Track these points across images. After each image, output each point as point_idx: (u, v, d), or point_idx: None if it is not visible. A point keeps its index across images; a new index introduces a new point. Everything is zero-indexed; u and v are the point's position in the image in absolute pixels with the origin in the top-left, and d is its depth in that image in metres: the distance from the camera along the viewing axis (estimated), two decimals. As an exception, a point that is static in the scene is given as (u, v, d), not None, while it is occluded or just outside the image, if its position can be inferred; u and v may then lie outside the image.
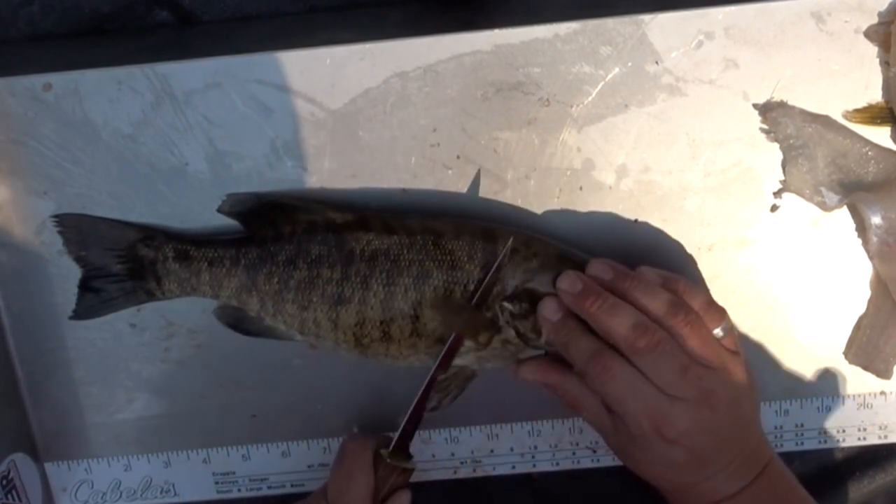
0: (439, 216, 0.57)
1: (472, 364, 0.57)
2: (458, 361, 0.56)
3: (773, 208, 0.58)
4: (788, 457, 0.66)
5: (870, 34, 0.55)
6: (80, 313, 0.59)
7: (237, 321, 0.58)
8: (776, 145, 0.57)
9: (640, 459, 0.55)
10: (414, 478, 0.63)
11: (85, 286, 0.59)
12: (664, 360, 0.52)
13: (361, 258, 0.55)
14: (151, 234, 0.58)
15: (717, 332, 0.54)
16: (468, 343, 0.56)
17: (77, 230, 0.58)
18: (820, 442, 0.63)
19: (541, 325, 0.55)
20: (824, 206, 0.57)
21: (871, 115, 0.56)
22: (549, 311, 0.55)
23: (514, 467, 0.64)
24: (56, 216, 0.58)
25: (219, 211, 0.57)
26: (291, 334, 0.57)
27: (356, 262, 0.55)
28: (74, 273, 0.59)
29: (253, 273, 0.56)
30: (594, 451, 0.63)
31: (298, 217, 0.56)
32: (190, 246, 0.57)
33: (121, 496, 0.65)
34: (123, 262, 0.58)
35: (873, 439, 0.63)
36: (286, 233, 0.56)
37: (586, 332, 0.54)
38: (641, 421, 0.53)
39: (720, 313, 0.54)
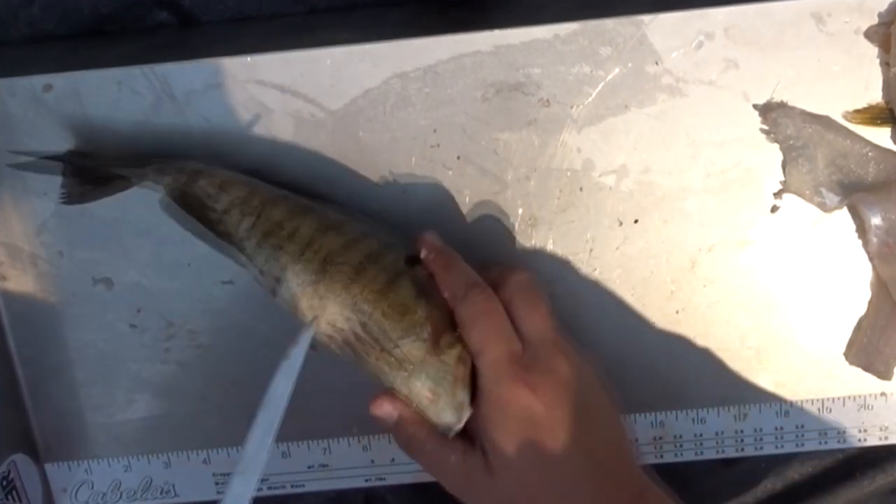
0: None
1: None
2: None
3: (774, 209, 0.58)
4: (788, 458, 0.66)
5: (870, 35, 0.55)
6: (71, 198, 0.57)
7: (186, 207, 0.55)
8: (776, 146, 0.57)
9: (495, 436, 0.50)
10: (414, 478, 0.63)
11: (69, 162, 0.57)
12: (539, 298, 0.52)
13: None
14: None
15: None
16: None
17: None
18: (820, 443, 0.63)
19: (419, 246, 0.54)
20: (824, 207, 0.57)
21: (872, 115, 0.56)
22: (431, 235, 0.54)
23: (514, 468, 0.64)
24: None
25: None
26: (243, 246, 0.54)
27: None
28: (74, 273, 0.59)
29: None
30: (594, 452, 0.63)
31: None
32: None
33: (121, 497, 0.65)
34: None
35: (874, 441, 0.63)
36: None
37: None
38: (500, 362, 0.49)
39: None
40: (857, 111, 0.56)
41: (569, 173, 0.58)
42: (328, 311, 0.52)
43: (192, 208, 0.54)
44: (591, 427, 0.51)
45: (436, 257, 0.54)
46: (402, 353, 0.51)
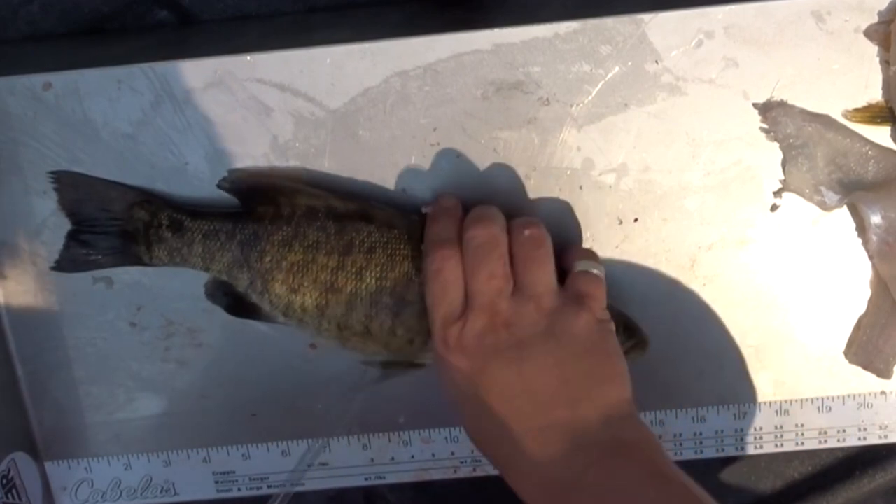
0: None
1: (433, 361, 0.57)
2: (423, 359, 0.57)
3: (773, 208, 0.58)
4: (788, 457, 0.66)
5: (870, 33, 0.55)
6: (63, 265, 0.58)
7: (224, 297, 0.58)
8: (776, 144, 0.57)
9: (444, 389, 0.53)
10: (414, 476, 0.63)
11: (73, 238, 0.58)
12: (483, 259, 0.51)
13: (360, 249, 0.55)
14: (149, 199, 0.57)
15: (582, 268, 0.54)
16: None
17: (73, 188, 0.58)
18: (820, 442, 0.63)
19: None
20: (824, 206, 0.57)
21: (871, 114, 0.56)
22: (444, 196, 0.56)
23: (513, 467, 0.64)
24: (53, 172, 0.57)
25: (219, 186, 0.57)
26: (275, 316, 0.57)
27: (354, 252, 0.55)
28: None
29: (247, 249, 0.56)
30: (594, 451, 0.63)
31: (299, 200, 0.56)
32: (185, 216, 0.57)
33: (121, 495, 0.65)
34: (117, 222, 0.57)
35: (874, 439, 0.63)
36: (286, 214, 0.56)
37: (458, 229, 0.53)
38: (437, 323, 0.52)
39: (584, 253, 0.55)
40: (856, 110, 0.56)
41: (568, 172, 0.58)
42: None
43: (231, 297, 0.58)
44: (551, 352, 0.51)
45: (432, 211, 0.55)
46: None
